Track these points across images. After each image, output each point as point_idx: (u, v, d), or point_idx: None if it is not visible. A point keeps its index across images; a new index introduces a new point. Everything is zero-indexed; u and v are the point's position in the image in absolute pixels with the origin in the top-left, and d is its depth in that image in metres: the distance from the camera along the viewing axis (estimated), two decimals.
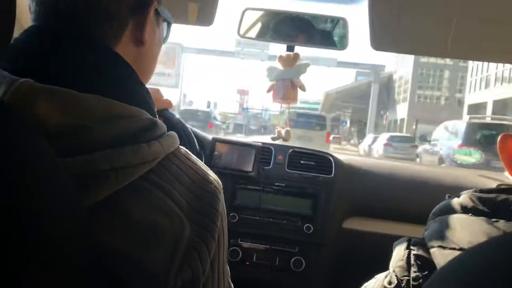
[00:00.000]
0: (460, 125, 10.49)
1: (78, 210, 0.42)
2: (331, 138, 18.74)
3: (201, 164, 0.59)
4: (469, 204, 0.50)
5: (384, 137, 17.97)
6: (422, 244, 0.53)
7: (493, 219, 0.47)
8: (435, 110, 28.70)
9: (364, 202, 1.54)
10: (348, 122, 42.33)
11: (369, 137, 20.36)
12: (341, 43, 1.26)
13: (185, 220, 0.50)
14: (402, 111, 32.20)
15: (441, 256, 0.47)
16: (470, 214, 0.50)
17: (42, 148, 0.40)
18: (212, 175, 0.59)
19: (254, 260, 1.47)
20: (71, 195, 0.41)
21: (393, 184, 1.57)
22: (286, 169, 1.56)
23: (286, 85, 1.46)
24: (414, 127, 24.13)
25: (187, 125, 1.26)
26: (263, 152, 1.54)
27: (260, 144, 1.53)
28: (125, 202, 0.47)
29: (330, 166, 1.56)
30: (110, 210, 0.46)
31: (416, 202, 1.50)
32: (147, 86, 0.60)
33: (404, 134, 21.37)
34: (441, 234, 0.50)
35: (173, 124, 1.22)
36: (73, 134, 0.45)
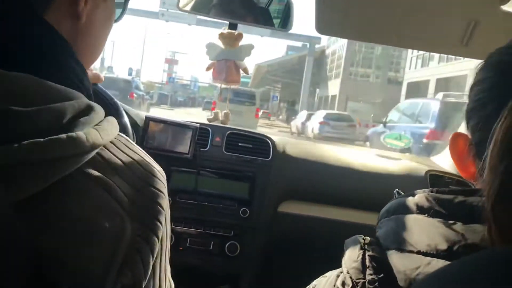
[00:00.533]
0: (422, 105, 8.64)
1: (2, 206, 0.37)
2: (260, 113, 18.74)
3: (144, 154, 0.53)
4: (426, 204, 0.50)
5: (320, 115, 16.60)
6: (378, 244, 0.51)
7: (450, 221, 0.46)
8: (368, 88, 27.95)
9: (300, 186, 1.54)
10: (278, 97, 42.00)
11: (302, 114, 19.20)
12: (285, 24, 1.23)
13: (126, 219, 0.45)
14: (334, 88, 30.66)
15: (398, 259, 0.46)
16: (426, 215, 0.49)
17: None
18: (156, 166, 0.54)
19: (188, 244, 1.42)
20: None
21: (326, 168, 1.59)
22: (224, 151, 1.52)
23: (229, 66, 1.41)
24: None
25: (119, 103, 1.17)
26: (200, 133, 1.48)
27: (197, 125, 1.47)
28: (57, 199, 0.41)
29: (268, 149, 1.54)
30: (40, 208, 0.40)
31: (348, 187, 1.54)
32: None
33: (342, 112, 20.23)
34: (397, 235, 0.49)
35: (105, 104, 1.13)
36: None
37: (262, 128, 16.67)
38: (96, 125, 0.45)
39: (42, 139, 0.39)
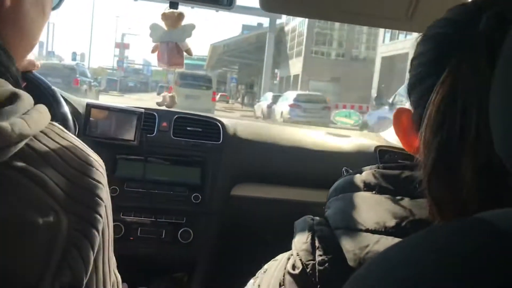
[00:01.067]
0: None
1: None
2: (217, 96, 18.37)
3: (79, 143, 0.50)
4: (373, 181, 0.49)
5: (289, 96, 14.64)
6: (327, 225, 0.50)
7: (398, 197, 0.46)
8: (331, 66, 26.19)
9: (253, 168, 1.53)
10: (237, 79, 40.19)
11: (267, 96, 17.33)
12: (228, 1, 1.19)
13: (61, 213, 0.42)
14: (295, 67, 28.59)
15: (347, 238, 0.45)
16: (374, 191, 0.48)
17: None
18: (93, 155, 0.50)
19: (139, 234, 1.38)
20: None
21: (276, 148, 1.58)
22: (172, 136, 1.47)
23: (171, 48, 1.35)
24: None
25: (58, 91, 1.11)
26: (145, 119, 1.42)
27: (142, 110, 1.40)
28: None
29: (218, 132, 1.51)
30: None
31: (300, 166, 1.54)
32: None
33: (313, 92, 18.12)
34: (345, 214, 0.48)
35: (41, 92, 1.06)
36: None
37: (221, 112, 16.25)
38: (24, 114, 0.42)
39: None
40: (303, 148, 1.58)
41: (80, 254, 0.43)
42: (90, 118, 1.37)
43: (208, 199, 1.42)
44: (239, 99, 36.27)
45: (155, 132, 1.46)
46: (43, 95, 1.07)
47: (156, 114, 1.49)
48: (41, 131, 0.45)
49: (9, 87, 0.43)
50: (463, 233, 0.26)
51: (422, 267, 0.24)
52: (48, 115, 0.46)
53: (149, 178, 1.40)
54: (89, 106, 1.37)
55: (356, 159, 1.51)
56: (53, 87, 1.11)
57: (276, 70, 31.97)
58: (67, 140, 0.48)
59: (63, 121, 1.09)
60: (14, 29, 0.51)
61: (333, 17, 1.09)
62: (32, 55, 1.01)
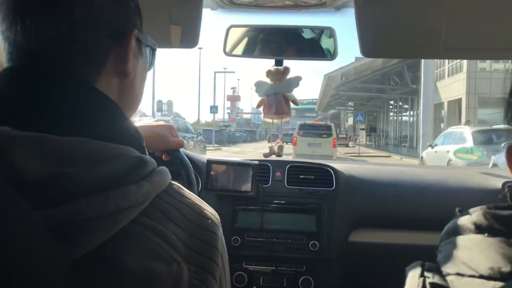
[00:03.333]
0: None
1: (62, 266, 0.38)
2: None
3: (195, 198, 0.55)
4: (484, 222, 0.46)
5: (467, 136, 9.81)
6: (437, 270, 0.48)
7: None
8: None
9: (369, 213, 1.49)
10: (365, 116, 32.97)
11: (447, 137, 11.15)
12: (330, 53, 1.23)
13: (182, 263, 0.46)
14: (449, 90, 21.11)
15: (459, 285, 0.43)
16: (486, 234, 0.45)
17: (12, 203, 0.36)
18: (209, 209, 0.55)
19: (261, 283, 1.41)
20: (50, 251, 0.38)
21: (395, 190, 1.53)
22: (286, 185, 1.51)
23: (279, 99, 1.43)
24: None
25: (190, 165, 1.19)
26: (260, 170, 1.50)
27: (256, 162, 1.48)
28: (116, 250, 0.43)
29: (330, 179, 1.52)
30: (100, 261, 0.42)
31: (421, 208, 1.46)
32: (158, 119, 0.57)
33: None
34: (456, 260, 0.45)
35: (177, 165, 1.16)
36: (55, 183, 0.42)
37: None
38: (147, 176, 0.47)
39: (96, 196, 0.42)
40: (422, 188, 1.50)
41: None
42: (211, 173, 1.48)
43: (325, 246, 1.42)
44: (358, 140, 33.76)
45: (270, 182, 1.52)
46: (179, 169, 1.17)
47: (270, 165, 1.56)
48: (163, 191, 0.50)
49: (136, 154, 0.49)
50: None
51: None
52: (168, 176, 0.51)
53: (267, 227, 1.45)
54: (209, 162, 1.50)
55: (481, 197, 1.38)
56: (189, 163, 1.19)
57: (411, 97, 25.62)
58: (185, 197, 0.53)
59: (188, 178, 1.18)
60: (131, 97, 0.59)
61: (437, 54, 1.06)
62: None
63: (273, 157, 1.65)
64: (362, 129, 38.56)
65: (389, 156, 19.72)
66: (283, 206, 1.48)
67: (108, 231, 0.42)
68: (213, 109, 31.82)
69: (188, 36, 1.11)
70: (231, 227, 1.45)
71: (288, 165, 1.56)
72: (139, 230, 0.45)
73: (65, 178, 0.42)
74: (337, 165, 1.60)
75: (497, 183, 1.47)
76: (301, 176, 1.53)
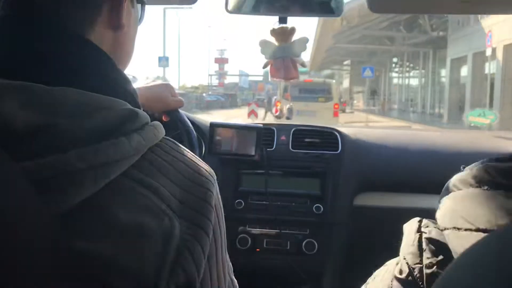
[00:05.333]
0: None
1: (45, 217, 0.38)
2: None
3: (191, 155, 0.54)
4: (485, 176, 0.44)
5: None
6: (435, 226, 0.46)
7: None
8: None
9: (374, 176, 1.47)
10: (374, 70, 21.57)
11: None
12: (337, 8, 1.18)
13: (174, 218, 0.45)
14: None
15: (456, 239, 0.42)
16: (486, 187, 0.43)
17: None
18: (204, 166, 0.54)
19: (265, 246, 1.41)
20: (33, 202, 0.37)
21: (403, 154, 1.49)
22: (291, 149, 1.49)
23: (287, 64, 1.38)
24: None
25: (191, 126, 1.17)
26: (265, 134, 1.47)
27: (261, 125, 1.46)
28: (105, 203, 0.43)
29: (336, 142, 1.49)
30: (89, 213, 0.42)
31: (429, 171, 1.43)
32: (160, 82, 0.56)
33: None
34: (454, 213, 0.44)
35: (177, 127, 1.14)
36: (43, 133, 0.41)
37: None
38: (139, 129, 0.46)
39: (86, 147, 0.41)
40: (430, 152, 1.47)
41: (192, 257, 0.45)
42: (214, 137, 1.46)
43: (329, 209, 1.41)
44: (356, 104, 29.26)
45: (274, 146, 1.50)
46: (180, 131, 1.15)
47: (274, 129, 1.53)
48: (156, 145, 0.49)
49: (128, 107, 0.48)
50: None
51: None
52: (162, 130, 0.51)
53: (271, 191, 1.43)
54: (213, 126, 1.47)
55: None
56: (189, 123, 1.17)
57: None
58: (180, 153, 0.52)
59: (189, 141, 1.16)
60: (124, 50, 0.58)
61: (453, 9, 1.00)
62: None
63: (280, 121, 1.62)
64: (359, 92, 33.40)
65: (409, 127, 13.56)
66: (288, 169, 1.47)
67: (98, 183, 0.42)
68: (163, 61, 23.01)
69: None
70: (235, 191, 1.45)
71: (293, 129, 1.53)
72: (130, 183, 0.45)
73: (54, 128, 0.42)
74: (343, 129, 1.56)
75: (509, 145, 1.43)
76: (306, 140, 1.51)
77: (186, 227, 0.46)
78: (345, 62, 34.08)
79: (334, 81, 14.17)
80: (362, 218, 1.45)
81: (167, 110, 1.12)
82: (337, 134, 1.50)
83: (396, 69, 30.22)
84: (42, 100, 0.43)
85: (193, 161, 0.53)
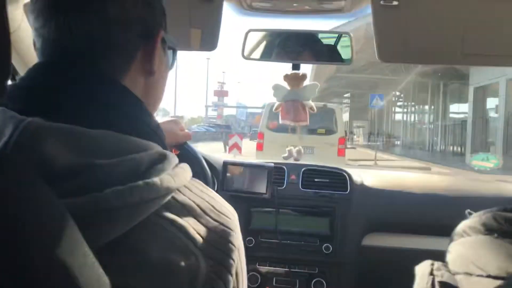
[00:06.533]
0: None
1: (88, 253, 0.40)
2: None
3: (215, 195, 0.56)
4: (493, 224, 0.47)
5: None
6: (447, 269, 0.49)
7: None
8: None
9: (382, 217, 1.50)
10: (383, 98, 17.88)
11: None
12: (347, 58, 1.25)
13: (200, 257, 0.48)
14: None
15: (468, 284, 0.44)
16: (495, 235, 0.46)
17: (40, 192, 0.38)
18: (228, 206, 0.56)
19: (274, 284, 1.43)
20: (77, 238, 0.39)
21: (408, 196, 1.53)
22: (301, 188, 1.53)
23: (296, 107, 1.45)
24: None
25: (201, 157, 1.23)
26: (275, 173, 1.52)
27: (272, 164, 1.50)
28: (138, 240, 0.45)
29: (345, 183, 1.53)
30: (122, 249, 0.44)
31: (432, 214, 1.46)
32: (166, 118, 0.59)
33: None
34: (465, 259, 0.47)
35: (189, 159, 1.19)
36: (83, 172, 0.44)
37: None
38: (170, 171, 0.49)
39: (122, 186, 0.43)
40: (436, 194, 1.50)
41: None
42: (227, 175, 1.51)
43: (339, 249, 1.43)
44: (357, 140, 27.00)
45: (285, 185, 1.54)
46: (190, 162, 1.20)
47: (285, 168, 1.57)
48: (185, 186, 0.51)
49: (159, 149, 0.50)
50: None
51: None
52: (189, 172, 0.53)
53: (281, 229, 1.46)
54: (225, 164, 1.52)
55: (495, 204, 1.38)
56: (199, 155, 1.23)
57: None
58: (206, 194, 0.54)
59: (205, 179, 1.21)
60: (154, 95, 0.61)
61: (454, 60, 1.07)
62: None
63: (290, 161, 1.67)
64: (359, 126, 30.50)
65: (429, 169, 11.96)
66: (298, 208, 1.50)
67: (132, 221, 0.44)
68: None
69: (207, 39, 1.14)
70: (246, 228, 1.47)
71: (303, 168, 1.57)
72: (160, 222, 0.46)
73: (92, 168, 0.44)
74: (352, 170, 1.60)
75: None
76: (315, 180, 1.55)
77: (211, 265, 0.48)
78: (346, 95, 31.27)
79: (339, 106, 10.51)
80: (371, 258, 1.47)
81: (176, 143, 1.15)
82: (346, 176, 1.55)
83: (401, 103, 27.89)
84: (82, 141, 0.45)
85: (217, 201, 0.55)
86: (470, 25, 0.96)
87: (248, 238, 1.45)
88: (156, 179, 0.46)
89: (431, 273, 0.51)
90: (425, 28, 1.01)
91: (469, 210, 0.58)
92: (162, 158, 0.49)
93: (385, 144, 23.85)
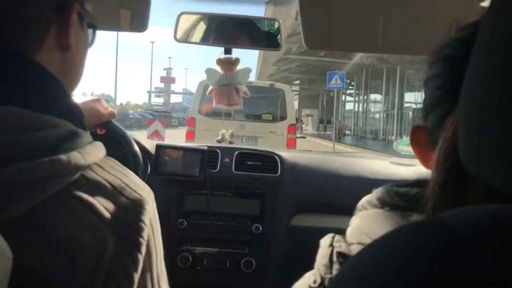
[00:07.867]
0: None
1: None
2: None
3: (129, 173, 0.57)
4: (387, 198, 0.52)
5: None
6: (345, 241, 0.54)
7: (408, 213, 0.48)
8: None
9: (309, 199, 1.57)
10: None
11: None
12: (276, 43, 1.29)
13: (108, 234, 0.48)
14: None
15: None
16: (387, 208, 0.51)
17: None
18: (142, 184, 0.57)
19: (205, 264, 1.46)
20: None
21: (338, 179, 1.60)
22: (233, 171, 1.56)
23: (230, 91, 1.48)
24: None
25: (131, 137, 1.22)
26: (209, 156, 1.54)
27: (205, 147, 1.52)
28: (43, 217, 0.45)
29: (276, 166, 1.58)
30: (26, 226, 0.44)
31: (348, 195, 1.54)
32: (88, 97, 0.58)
33: None
34: (359, 230, 0.52)
35: (116, 137, 1.18)
36: None
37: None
38: (80, 148, 0.48)
39: (25, 163, 0.43)
40: (363, 177, 1.59)
41: (124, 272, 0.48)
42: (160, 157, 1.51)
43: (268, 229, 1.48)
44: (306, 129, 26.41)
45: (218, 168, 1.57)
46: (118, 139, 1.20)
47: (219, 151, 1.60)
48: (97, 164, 0.51)
49: (69, 127, 0.50)
50: (422, 232, 0.28)
51: (377, 267, 0.27)
52: (102, 149, 0.53)
53: (213, 211, 1.49)
54: (159, 147, 1.52)
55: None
56: (128, 134, 1.23)
57: None
58: (120, 172, 0.55)
59: (134, 160, 1.21)
60: (72, 71, 0.61)
61: (375, 48, 1.14)
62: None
63: (224, 144, 1.70)
64: (308, 115, 30.18)
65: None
66: (230, 190, 1.53)
67: (36, 198, 0.44)
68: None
69: (137, 20, 1.13)
70: (178, 210, 1.49)
71: (237, 152, 1.61)
72: (67, 200, 0.47)
73: None
74: (284, 153, 1.66)
75: (407, 172, 1.57)
76: (248, 163, 1.59)
77: (119, 243, 0.48)
78: (296, 82, 30.43)
79: (287, 86, 8.49)
80: (299, 237, 1.54)
81: (101, 122, 1.13)
82: (277, 158, 1.60)
83: (352, 90, 27.15)
84: None
85: (131, 179, 0.55)
86: (389, 15, 1.03)
87: (180, 219, 1.47)
88: (63, 156, 0.46)
89: (331, 245, 0.55)
90: (348, 16, 1.07)
91: (375, 189, 0.63)
92: (72, 136, 0.49)
93: (338, 133, 22.30)
